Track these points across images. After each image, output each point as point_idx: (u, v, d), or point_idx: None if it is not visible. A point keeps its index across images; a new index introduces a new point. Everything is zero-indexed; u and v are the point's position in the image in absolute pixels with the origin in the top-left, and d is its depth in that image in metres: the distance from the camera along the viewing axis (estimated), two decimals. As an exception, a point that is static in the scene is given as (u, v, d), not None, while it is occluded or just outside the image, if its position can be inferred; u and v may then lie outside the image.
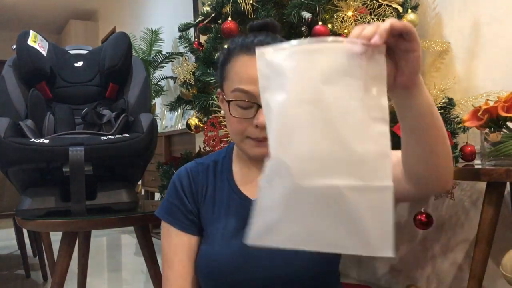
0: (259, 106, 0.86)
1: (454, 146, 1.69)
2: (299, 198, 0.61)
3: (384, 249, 0.59)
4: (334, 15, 1.69)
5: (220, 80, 0.97)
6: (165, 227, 0.98)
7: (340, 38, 0.61)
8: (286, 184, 0.62)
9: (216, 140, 1.68)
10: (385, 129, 0.60)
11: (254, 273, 0.88)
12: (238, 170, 0.99)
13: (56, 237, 1.73)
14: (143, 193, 4.23)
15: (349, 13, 1.67)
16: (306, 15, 1.84)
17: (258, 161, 0.96)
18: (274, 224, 0.63)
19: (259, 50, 0.64)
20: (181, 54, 4.22)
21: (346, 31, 1.67)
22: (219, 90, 0.98)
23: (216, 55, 1.85)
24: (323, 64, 0.61)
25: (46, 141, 1.39)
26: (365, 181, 0.59)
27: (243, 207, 0.93)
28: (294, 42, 0.63)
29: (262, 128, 0.85)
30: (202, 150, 1.81)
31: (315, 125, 0.60)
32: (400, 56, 0.65)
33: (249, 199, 0.94)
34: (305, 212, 0.61)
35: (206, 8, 1.92)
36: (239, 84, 0.87)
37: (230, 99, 0.89)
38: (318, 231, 0.61)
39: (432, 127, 0.71)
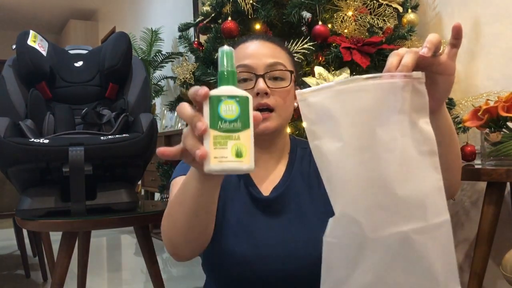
0: (257, 77, 0.91)
1: (454, 146, 1.69)
2: (370, 250, 0.61)
3: (451, 283, 0.60)
4: (334, 15, 1.69)
5: None
6: (177, 181, 0.93)
7: (379, 74, 0.60)
8: (357, 238, 0.61)
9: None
10: (435, 161, 0.60)
11: (265, 266, 0.89)
12: None
13: (56, 237, 1.73)
14: (143, 193, 4.23)
15: (349, 13, 1.67)
16: (306, 15, 1.84)
17: (263, 158, 0.97)
18: (346, 279, 0.62)
19: (299, 92, 0.63)
20: (181, 54, 4.22)
21: (346, 30, 1.67)
22: None
23: (216, 55, 1.85)
24: (371, 104, 0.60)
25: (46, 141, 1.39)
26: (427, 221, 0.60)
27: (256, 202, 0.94)
28: (333, 82, 0.61)
29: (262, 95, 0.91)
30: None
31: (375, 173, 0.60)
32: (435, 79, 0.66)
33: (262, 194, 0.95)
34: (375, 263, 0.61)
35: (206, 8, 1.92)
36: (238, 62, 0.93)
37: None
38: (389, 277, 0.61)
39: (450, 146, 0.74)
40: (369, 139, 0.60)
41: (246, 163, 0.56)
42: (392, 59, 0.63)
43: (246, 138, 0.56)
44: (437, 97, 0.67)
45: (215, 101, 0.56)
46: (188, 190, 0.70)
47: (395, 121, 0.60)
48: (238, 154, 0.56)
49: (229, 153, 0.56)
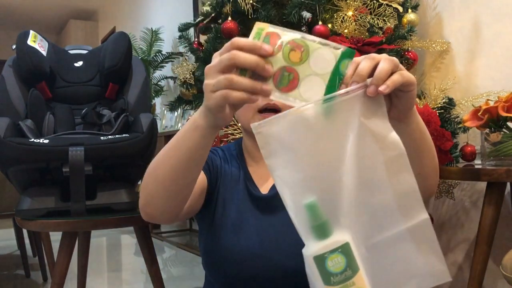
0: None
1: (455, 146, 1.69)
2: (369, 256, 0.61)
3: (442, 275, 0.61)
4: (334, 15, 1.69)
5: None
6: None
7: (336, 93, 0.59)
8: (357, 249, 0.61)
9: (216, 140, 1.67)
10: (405, 163, 0.60)
11: (264, 263, 0.89)
12: (250, 165, 1.00)
13: (56, 237, 1.73)
14: (143, 193, 4.23)
15: (349, 13, 1.67)
16: (306, 15, 1.84)
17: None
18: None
19: (254, 125, 0.61)
20: (181, 54, 4.22)
21: (346, 30, 1.67)
22: None
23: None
24: (329, 128, 0.59)
25: (46, 141, 1.39)
26: (407, 223, 0.60)
27: (254, 200, 0.95)
28: (287, 112, 0.59)
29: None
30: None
31: (352, 190, 0.59)
32: (396, 93, 0.64)
33: (262, 193, 0.96)
34: (377, 267, 0.61)
35: (206, 8, 1.92)
36: None
37: None
38: (390, 281, 0.61)
39: (422, 151, 0.72)
40: (332, 164, 0.59)
41: None
42: (364, 66, 0.61)
43: (360, 280, 0.58)
44: (401, 108, 0.66)
45: (320, 260, 0.58)
46: (185, 142, 0.70)
47: (356, 135, 0.59)
48: None
49: None
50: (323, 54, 0.59)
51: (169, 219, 0.82)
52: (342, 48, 0.59)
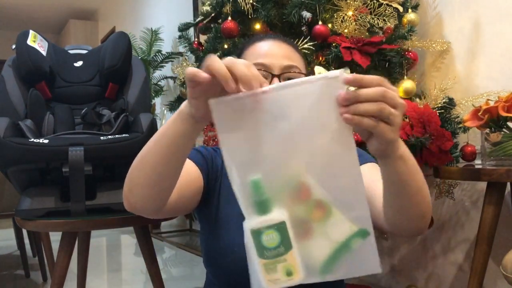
0: (273, 76, 0.92)
1: (455, 146, 1.69)
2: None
3: (373, 266, 0.61)
4: (334, 14, 1.69)
5: None
6: None
7: (298, 80, 0.59)
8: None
9: (216, 140, 1.67)
10: (349, 158, 0.59)
11: None
12: None
13: (56, 237, 1.73)
14: (143, 193, 4.23)
15: (349, 13, 1.67)
16: (306, 14, 1.84)
17: None
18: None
19: (211, 101, 0.60)
20: (181, 54, 4.22)
21: (346, 30, 1.67)
22: None
23: (216, 54, 1.85)
24: (288, 112, 0.59)
25: (46, 141, 1.39)
26: (343, 214, 0.61)
27: None
28: (246, 93, 0.59)
29: None
30: (202, 150, 1.81)
31: (298, 175, 0.61)
32: (370, 136, 0.62)
33: None
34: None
35: (206, 8, 1.92)
36: (254, 60, 0.93)
37: None
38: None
39: (414, 193, 0.69)
40: (283, 147, 0.60)
41: (297, 277, 0.62)
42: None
43: (292, 258, 0.62)
44: (375, 147, 0.63)
45: (256, 234, 0.62)
46: (169, 130, 0.70)
47: (312, 123, 0.59)
48: (289, 274, 0.62)
49: (281, 275, 0.62)
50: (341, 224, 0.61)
51: (151, 211, 0.79)
52: (358, 227, 0.61)
